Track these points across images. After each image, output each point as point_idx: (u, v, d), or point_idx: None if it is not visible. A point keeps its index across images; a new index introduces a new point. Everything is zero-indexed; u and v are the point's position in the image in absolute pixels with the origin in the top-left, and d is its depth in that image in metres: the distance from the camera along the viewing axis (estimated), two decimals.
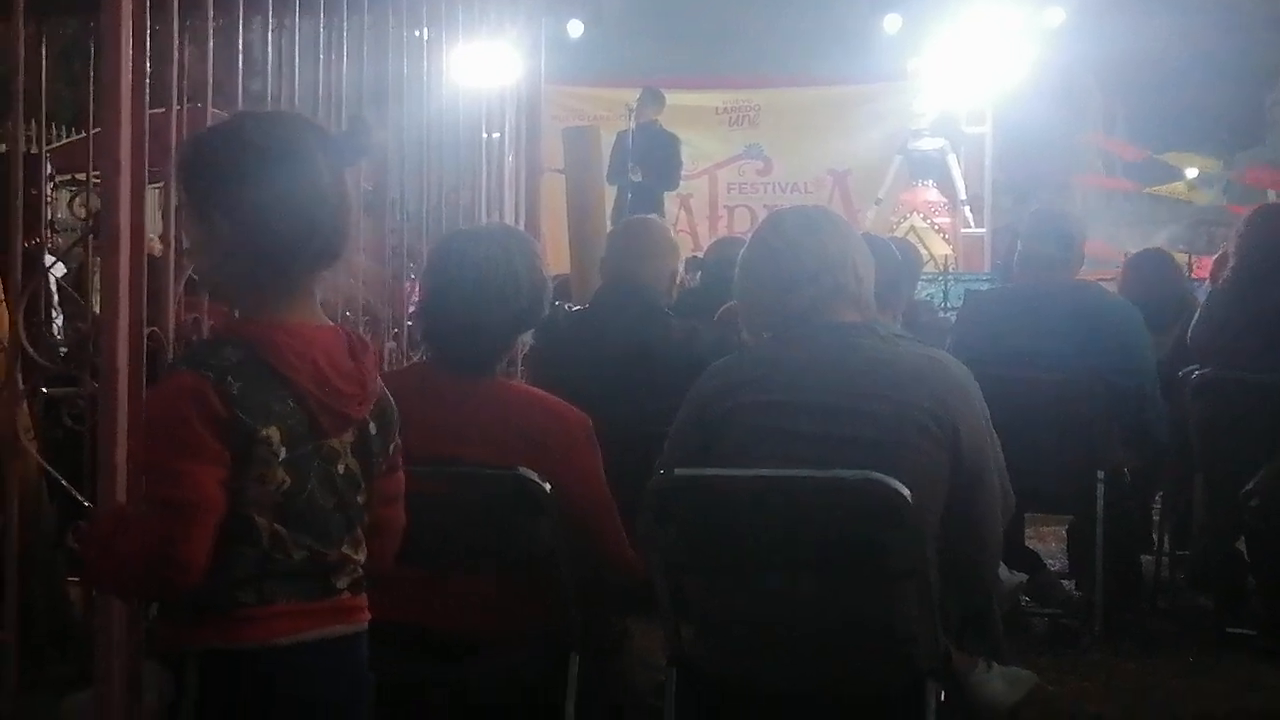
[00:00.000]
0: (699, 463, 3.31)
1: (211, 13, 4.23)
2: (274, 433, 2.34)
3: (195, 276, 2.64)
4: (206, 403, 2.30)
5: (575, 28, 16.34)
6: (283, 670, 2.40)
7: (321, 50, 5.31)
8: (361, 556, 2.51)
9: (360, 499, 2.49)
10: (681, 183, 14.44)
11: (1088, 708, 4.90)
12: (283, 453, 2.35)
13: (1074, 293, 5.72)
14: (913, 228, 14.82)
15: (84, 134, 7.53)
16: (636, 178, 12.75)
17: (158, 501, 2.32)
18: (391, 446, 2.59)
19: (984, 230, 15.84)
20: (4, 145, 6.18)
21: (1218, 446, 5.61)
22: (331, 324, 2.51)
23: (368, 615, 2.55)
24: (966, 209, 15.82)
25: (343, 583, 2.47)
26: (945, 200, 15.78)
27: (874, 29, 17.16)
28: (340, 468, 2.45)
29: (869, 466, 3.08)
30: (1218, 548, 5.78)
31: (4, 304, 4.55)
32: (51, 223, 8.36)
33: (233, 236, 2.41)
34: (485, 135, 7.49)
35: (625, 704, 3.74)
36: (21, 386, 4.00)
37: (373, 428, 2.51)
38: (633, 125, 12.94)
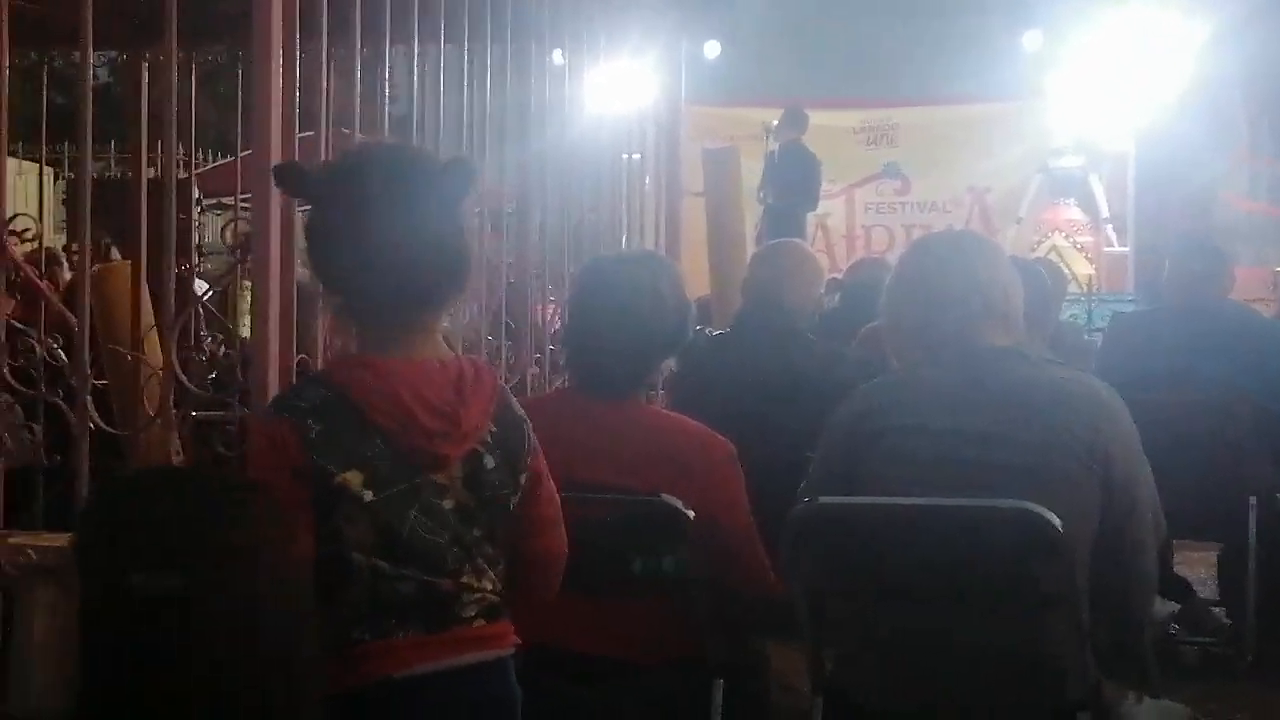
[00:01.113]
0: (843, 488, 3.28)
1: (359, 40, 4.30)
2: (353, 476, 2.36)
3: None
4: (285, 451, 2.35)
5: (712, 48, 16.33)
6: (404, 701, 2.41)
7: (464, 76, 5.37)
8: (490, 584, 2.52)
9: (478, 531, 2.50)
10: (820, 202, 14.40)
11: None
12: (367, 495, 2.37)
13: (1224, 312, 5.62)
14: (1054, 247, 14.65)
15: (230, 158, 7.67)
16: (768, 200, 12.73)
17: None
18: (522, 477, 2.58)
19: (1127, 250, 15.59)
20: (155, 170, 6.32)
21: None
22: (444, 358, 2.51)
23: (510, 641, 2.56)
24: (1109, 228, 15.60)
25: (470, 611, 2.49)
26: (1087, 219, 15.59)
27: (1013, 45, 16.98)
28: (448, 502, 2.46)
29: (1020, 495, 3.02)
30: None
31: (155, 330, 4.63)
32: (199, 247, 8.52)
33: (337, 274, 2.46)
34: (625, 157, 7.53)
35: None
36: (174, 412, 4.08)
37: (489, 460, 2.51)
38: (774, 145, 12.91)
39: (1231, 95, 21.73)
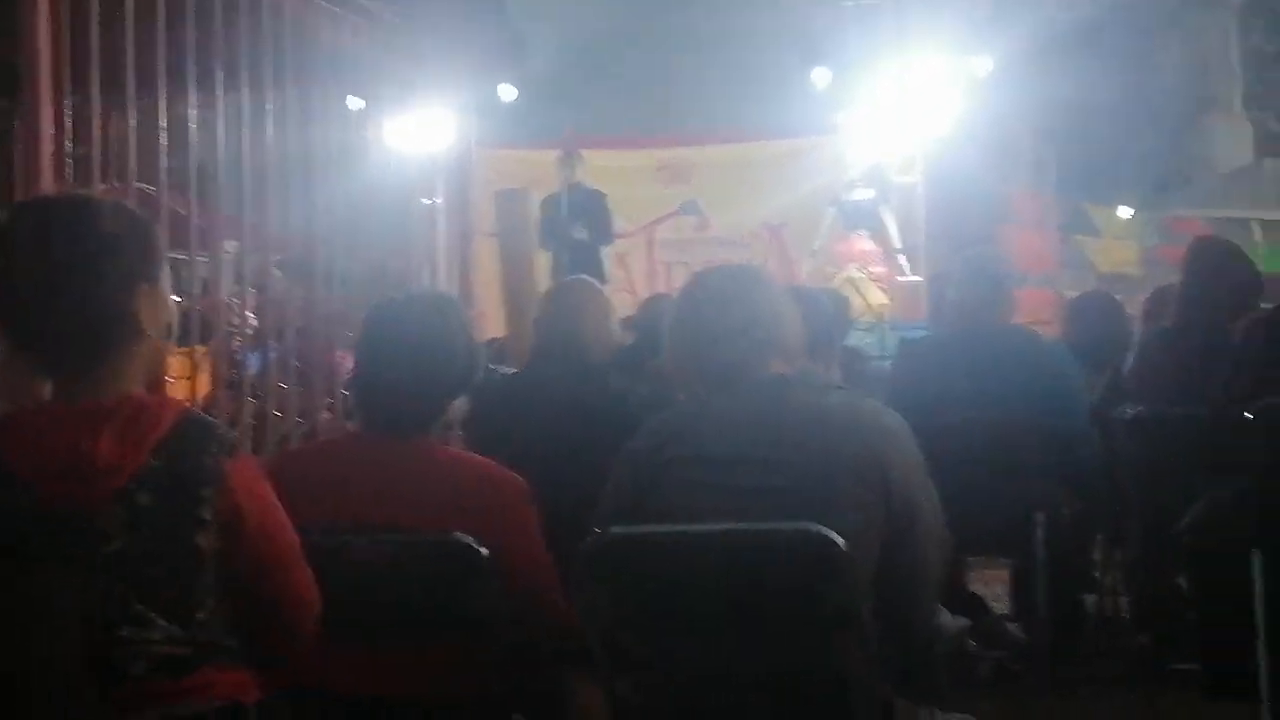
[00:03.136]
0: (633, 521, 3.31)
1: (132, 89, 4.25)
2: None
3: None
4: None
5: (507, 92, 16.39)
6: None
7: (247, 123, 5.33)
8: (158, 636, 2.40)
9: (150, 574, 2.39)
10: (619, 241, 14.47)
11: None
12: None
13: (1005, 336, 5.76)
14: (849, 278, 14.91)
15: None
16: (582, 235, 12.76)
17: None
18: (203, 511, 2.45)
19: (919, 279, 15.94)
20: None
21: (1151, 484, 5.66)
22: (119, 398, 2.47)
23: (206, 695, 2.44)
24: (901, 258, 15.93)
25: (138, 667, 2.38)
26: (880, 250, 15.90)
27: (803, 83, 17.28)
28: (111, 547, 2.37)
29: (802, 517, 3.09)
30: (1156, 585, 5.82)
31: None
32: None
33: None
34: (419, 201, 7.52)
35: None
36: None
37: (144, 497, 2.40)
38: (565, 187, 12.96)
39: (1017, 129, 22.41)
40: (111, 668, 2.35)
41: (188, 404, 2.58)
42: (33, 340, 2.47)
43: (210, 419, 2.59)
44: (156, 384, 2.65)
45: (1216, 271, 5.84)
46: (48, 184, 3.87)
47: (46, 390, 2.49)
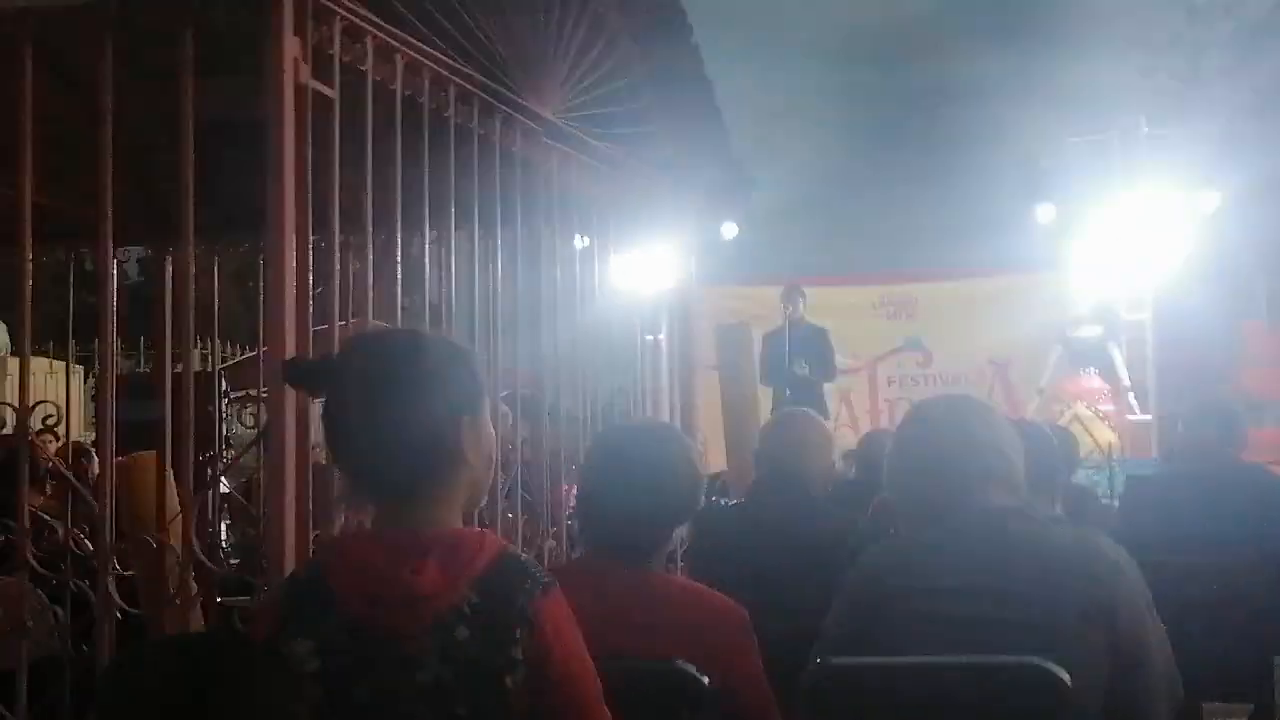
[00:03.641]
0: (854, 651, 3.30)
1: (371, 228, 4.43)
2: (299, 645, 2.37)
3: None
4: (262, 623, 2.41)
5: (730, 230, 16.61)
6: None
7: (478, 261, 5.50)
8: None
9: (460, 710, 2.41)
10: (841, 377, 14.48)
11: None
12: (312, 663, 2.36)
13: (1239, 474, 5.65)
14: (1076, 416, 14.69)
15: (256, 352, 7.83)
16: (804, 371, 12.81)
17: None
18: (514, 651, 2.46)
19: (1150, 417, 15.64)
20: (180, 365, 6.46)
21: None
22: (441, 529, 2.52)
23: None
24: (1131, 396, 15.66)
25: None
26: (1108, 388, 15.66)
27: (1027, 218, 17.20)
28: (423, 676, 2.40)
29: (1027, 651, 3.05)
30: None
31: (180, 516, 4.72)
32: (227, 437, 8.64)
33: (341, 454, 2.52)
34: (646, 338, 7.64)
35: None
36: (194, 591, 4.15)
37: (463, 631, 2.43)
38: (787, 323, 13.04)
39: (1249, 266, 21.90)
40: None
41: (506, 541, 2.61)
42: (361, 468, 2.52)
43: (526, 557, 2.61)
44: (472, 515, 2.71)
45: None
46: (291, 321, 4.03)
47: (369, 517, 2.55)
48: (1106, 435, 14.42)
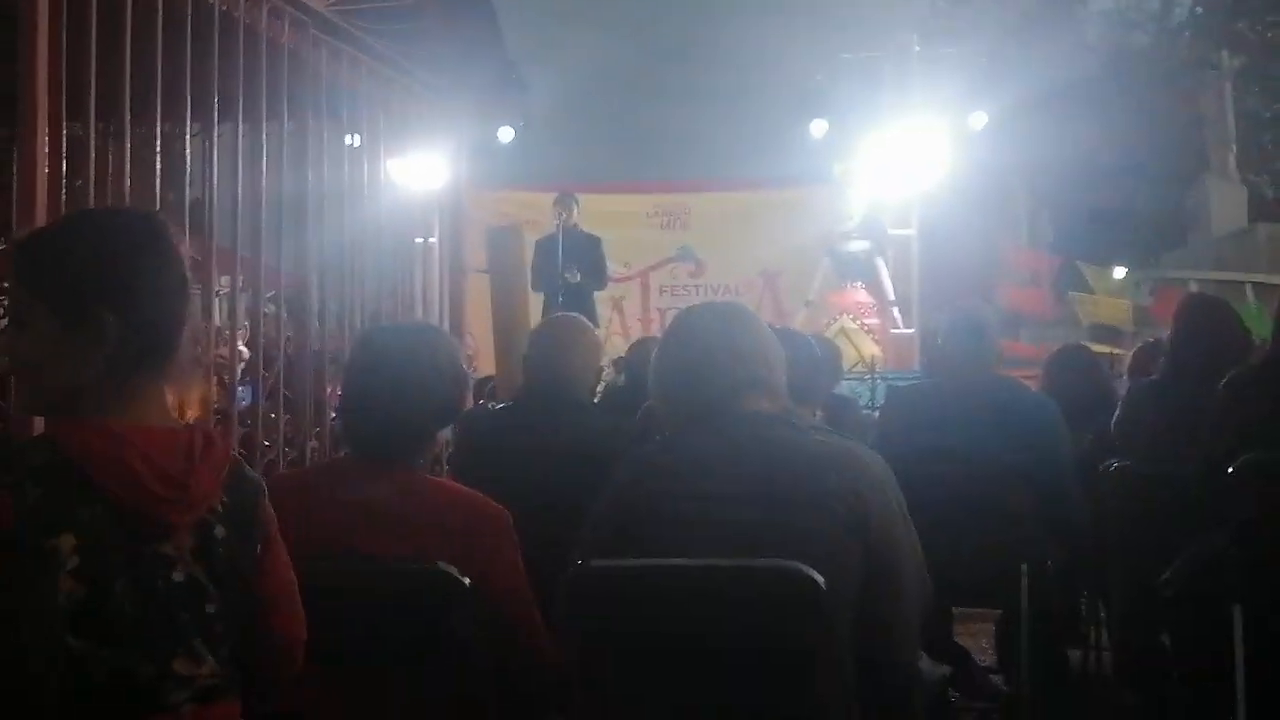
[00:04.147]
0: (615, 554, 3.32)
1: (129, 117, 4.28)
2: (64, 541, 2.23)
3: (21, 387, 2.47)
4: None
5: (506, 134, 16.49)
6: None
7: (243, 156, 5.36)
8: (209, 668, 2.39)
9: (210, 608, 2.39)
10: (614, 285, 14.52)
11: None
12: (74, 561, 2.23)
13: (990, 388, 5.78)
14: (842, 329, 14.99)
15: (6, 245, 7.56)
16: (575, 279, 12.81)
17: None
18: (257, 548, 2.50)
19: (913, 331, 16.01)
20: None
21: (1135, 539, 5.67)
22: (174, 425, 2.44)
23: None
24: (895, 310, 16.01)
25: (180, 696, 2.34)
26: (874, 301, 15.98)
27: (801, 133, 17.40)
28: (178, 575, 2.35)
29: (783, 555, 3.10)
30: (1139, 640, 5.82)
31: None
32: None
33: (110, 334, 2.36)
34: (414, 240, 7.55)
35: None
36: None
37: (220, 530, 2.41)
38: (560, 229, 13.02)
39: (1012, 185, 22.52)
40: (155, 696, 2.33)
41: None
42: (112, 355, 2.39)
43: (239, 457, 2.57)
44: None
45: (1205, 328, 5.87)
46: (43, 213, 3.88)
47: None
48: (870, 347, 14.74)
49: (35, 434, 2.42)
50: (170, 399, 2.47)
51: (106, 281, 2.37)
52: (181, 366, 2.47)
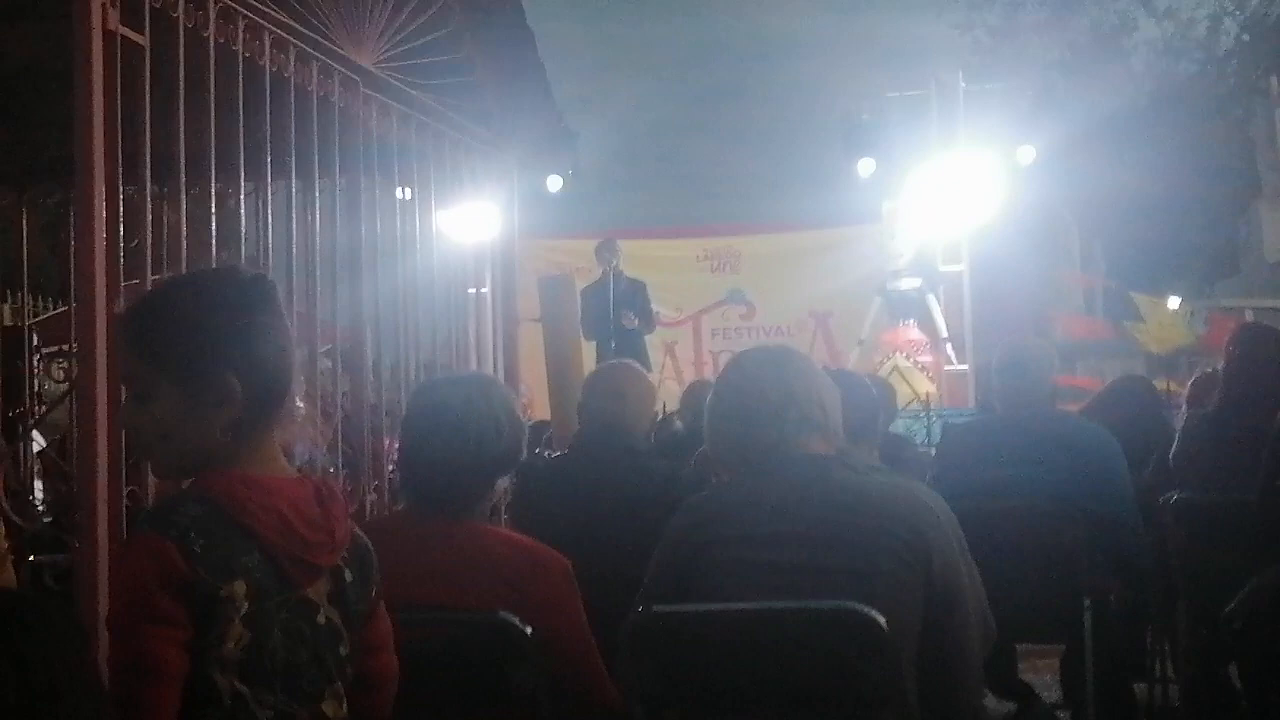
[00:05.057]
0: (675, 599, 3.33)
1: (184, 178, 4.34)
2: (238, 588, 2.30)
3: (155, 456, 2.51)
4: (168, 564, 2.26)
5: (555, 183, 16.58)
6: None
7: (296, 213, 5.42)
8: (343, 712, 2.45)
9: (343, 650, 2.46)
10: (666, 329, 14.57)
11: None
12: (245, 607, 2.30)
13: (1048, 423, 5.77)
14: (896, 367, 14.95)
15: (67, 306, 7.66)
16: (633, 324, 12.89)
17: (118, 666, 2.26)
18: (373, 592, 2.57)
19: (966, 367, 15.96)
20: None
21: (1199, 570, 5.64)
22: (297, 474, 2.51)
23: None
24: (948, 346, 15.97)
25: None
26: (927, 339, 15.94)
27: (848, 173, 17.42)
28: (321, 619, 2.42)
29: (843, 596, 3.10)
30: (1206, 673, 5.78)
31: None
32: (38, 393, 8.44)
33: (235, 396, 2.39)
34: (466, 291, 7.60)
35: None
36: (4, 548, 4.05)
37: (348, 575, 2.49)
38: (610, 276, 13.09)
39: (1062, 217, 22.44)
40: None
41: None
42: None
43: None
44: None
45: (1259, 357, 5.84)
46: (101, 274, 3.94)
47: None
48: (924, 385, 14.69)
49: (183, 489, 2.42)
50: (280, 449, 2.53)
51: (226, 345, 2.40)
52: (291, 418, 2.53)
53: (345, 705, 2.46)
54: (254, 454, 2.43)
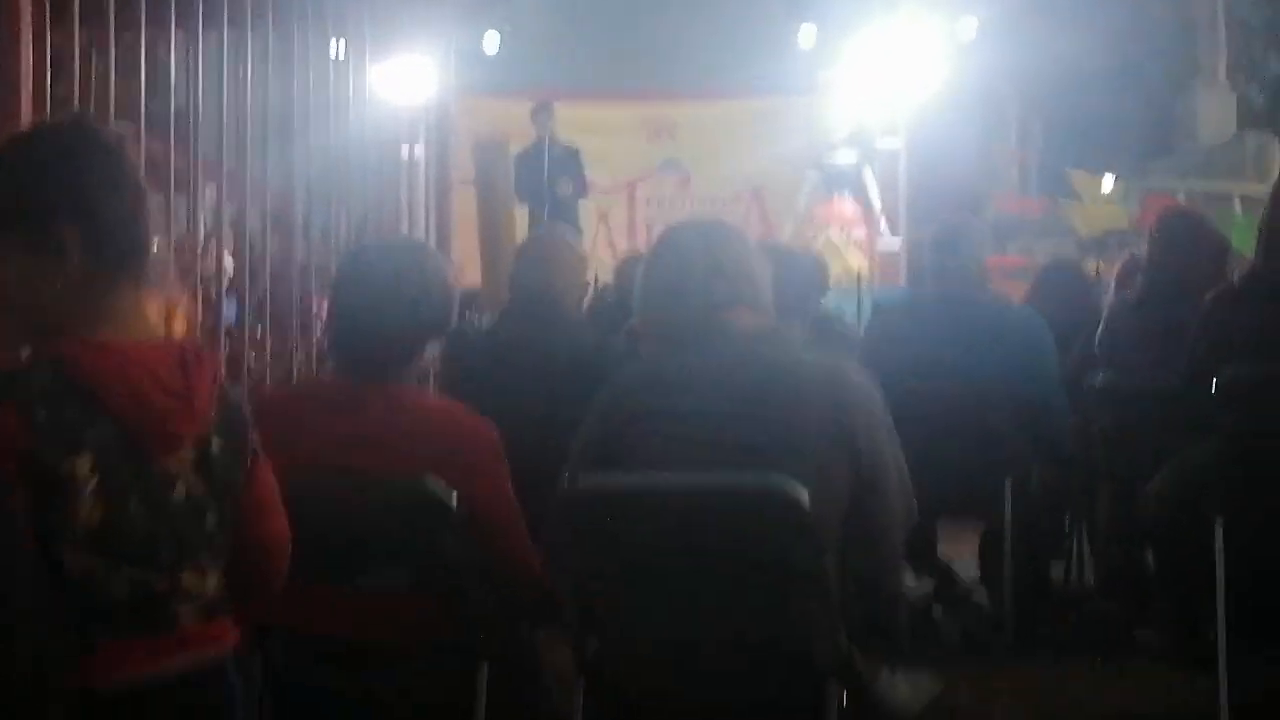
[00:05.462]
0: (602, 471, 3.34)
1: (113, 25, 4.24)
2: (81, 463, 2.20)
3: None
4: (6, 436, 2.15)
5: (492, 40, 16.36)
6: (108, 717, 2.22)
7: (227, 65, 5.32)
8: (210, 584, 2.37)
9: (210, 521, 2.37)
10: (600, 197, 14.48)
11: (994, 714, 4.95)
12: (93, 481, 2.20)
13: (978, 304, 5.78)
14: (829, 241, 14.95)
15: None
16: (568, 191, 12.81)
17: None
18: (248, 460, 2.47)
19: (900, 244, 15.97)
20: None
21: (1119, 453, 5.70)
22: (162, 339, 2.43)
23: (229, 641, 2.43)
24: (882, 222, 15.96)
25: (186, 612, 2.33)
26: (861, 214, 15.93)
27: (789, 41, 17.27)
28: (180, 490, 2.33)
29: (767, 471, 3.12)
30: (1122, 553, 5.87)
31: None
32: None
33: (48, 247, 2.30)
34: (404, 149, 7.51)
35: (538, 715, 3.75)
36: None
37: (215, 444, 2.38)
38: (546, 141, 12.99)
39: (1002, 92, 22.37)
40: (168, 614, 2.32)
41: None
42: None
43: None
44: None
45: (1181, 243, 5.86)
46: (26, 121, 3.85)
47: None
48: (857, 260, 14.71)
49: (30, 355, 2.29)
50: (154, 314, 2.45)
51: (53, 193, 2.30)
52: (157, 278, 2.44)
53: (211, 577, 2.38)
54: (108, 316, 2.33)
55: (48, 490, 2.18)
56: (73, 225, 2.30)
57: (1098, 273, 11.18)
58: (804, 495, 3.05)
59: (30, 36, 3.88)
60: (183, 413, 2.31)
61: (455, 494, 3.30)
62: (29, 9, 3.82)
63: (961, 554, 6.97)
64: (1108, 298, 7.13)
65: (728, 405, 3.29)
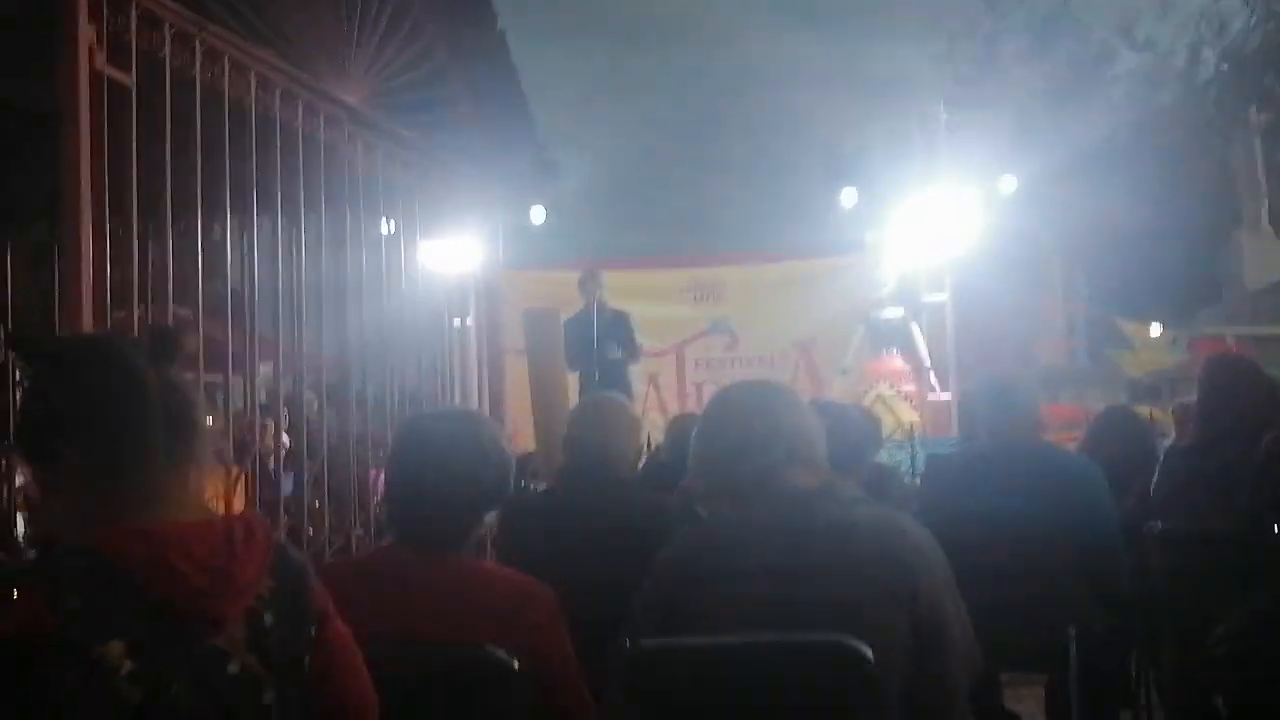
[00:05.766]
0: (662, 633, 3.34)
1: (170, 214, 4.36)
2: (112, 649, 2.21)
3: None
4: (38, 625, 2.18)
5: (538, 214, 16.60)
6: None
7: (281, 247, 5.44)
8: None
9: (267, 697, 2.37)
10: (649, 360, 14.55)
11: None
12: (127, 665, 2.21)
13: (1033, 453, 5.78)
14: (879, 396, 14.96)
15: None
16: (617, 355, 12.89)
17: None
18: (310, 628, 2.48)
19: (949, 396, 15.98)
20: None
21: (1181, 599, 5.65)
22: (212, 516, 2.45)
23: None
24: (931, 375, 15.98)
25: None
26: (910, 368, 15.96)
27: (831, 203, 17.48)
28: (234, 667, 2.33)
29: (829, 629, 3.11)
30: (1192, 700, 5.78)
31: None
32: None
33: (54, 468, 2.37)
34: (451, 323, 7.61)
35: None
36: None
37: (268, 618, 2.39)
38: (594, 306, 13.11)
39: (1045, 245, 22.52)
40: None
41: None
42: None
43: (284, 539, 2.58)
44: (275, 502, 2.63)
45: (1231, 388, 5.87)
46: (87, 308, 3.95)
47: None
48: (909, 414, 14.71)
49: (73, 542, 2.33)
50: (210, 492, 2.48)
51: (56, 415, 2.38)
52: (213, 456, 2.48)
53: None
54: (150, 501, 2.37)
55: (84, 674, 2.19)
56: (72, 445, 2.36)
57: (1151, 417, 11.17)
58: (868, 652, 3.05)
59: (90, 227, 3.98)
60: (223, 591, 2.32)
61: (516, 661, 3.30)
62: (88, 200, 3.94)
63: (1027, 704, 6.88)
64: (1164, 442, 7.11)
65: (788, 564, 3.30)
